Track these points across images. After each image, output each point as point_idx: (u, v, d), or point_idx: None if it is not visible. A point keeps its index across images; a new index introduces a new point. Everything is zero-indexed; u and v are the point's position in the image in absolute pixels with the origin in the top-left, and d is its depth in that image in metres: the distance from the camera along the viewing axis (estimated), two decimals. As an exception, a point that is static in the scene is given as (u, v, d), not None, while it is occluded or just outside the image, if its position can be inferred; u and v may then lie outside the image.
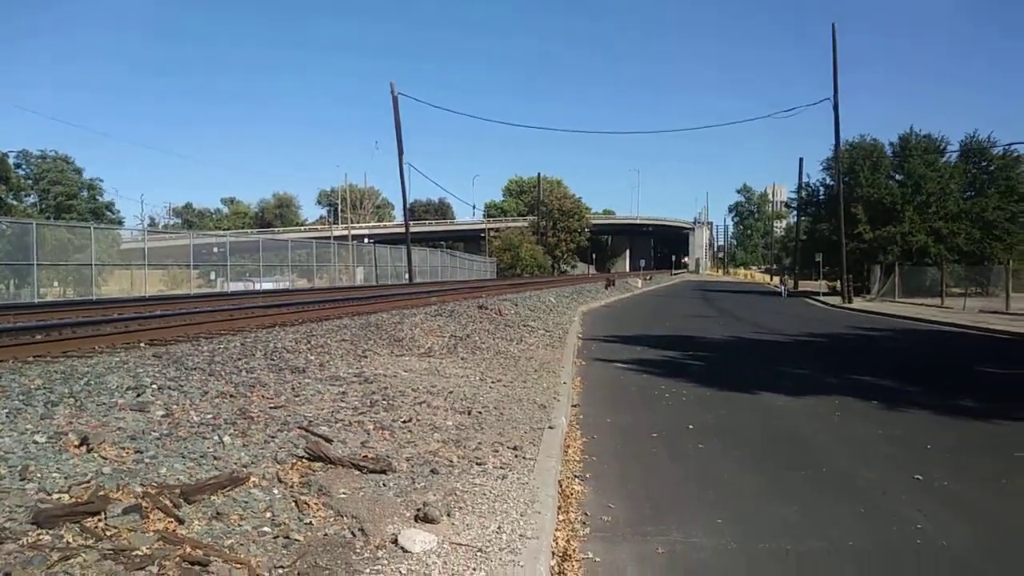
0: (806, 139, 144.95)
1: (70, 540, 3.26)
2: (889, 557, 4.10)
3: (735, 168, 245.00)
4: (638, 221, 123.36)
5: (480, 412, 6.90)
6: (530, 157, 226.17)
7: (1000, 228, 40.14)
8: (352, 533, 3.73)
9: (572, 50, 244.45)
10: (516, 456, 5.47)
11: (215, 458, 4.70)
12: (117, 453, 4.54)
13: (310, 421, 5.83)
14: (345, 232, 73.08)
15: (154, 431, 5.14)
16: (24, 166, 57.60)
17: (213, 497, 4.03)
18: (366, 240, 68.94)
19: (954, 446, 6.75)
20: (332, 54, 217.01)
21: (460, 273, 60.65)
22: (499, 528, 3.93)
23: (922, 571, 3.95)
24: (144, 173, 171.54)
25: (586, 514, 4.73)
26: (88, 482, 4.01)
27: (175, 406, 5.90)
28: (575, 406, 8.39)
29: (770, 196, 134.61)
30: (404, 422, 6.21)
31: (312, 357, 8.96)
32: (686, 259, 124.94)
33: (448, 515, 4.04)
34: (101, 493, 3.82)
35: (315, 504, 4.08)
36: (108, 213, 63.41)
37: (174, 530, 3.54)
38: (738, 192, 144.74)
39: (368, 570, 3.31)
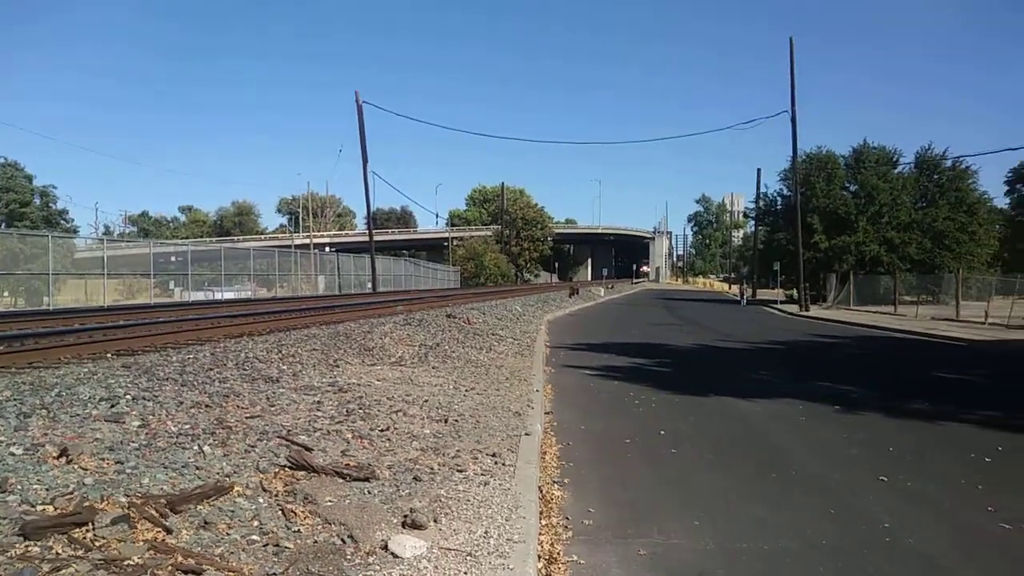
0: (765, 148, 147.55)
1: (59, 551, 3.25)
2: (860, 555, 4.27)
3: (694, 178, 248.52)
4: (600, 230, 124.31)
5: (456, 420, 6.96)
6: (494, 166, 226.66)
7: (950, 238, 41.49)
8: (342, 540, 3.77)
9: (535, 60, 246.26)
10: (496, 463, 5.54)
11: (197, 468, 4.68)
12: (97, 464, 4.49)
13: (288, 430, 5.83)
14: (307, 241, 72.33)
15: (132, 442, 5.09)
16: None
17: (199, 507, 4.03)
18: (328, 249, 68.36)
19: (913, 447, 7.01)
20: (294, 62, 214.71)
21: (424, 282, 60.40)
22: (486, 533, 4.00)
23: (892, 567, 4.12)
24: (99, 181, 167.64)
25: (567, 518, 4.83)
26: (71, 493, 3.97)
27: (151, 416, 5.85)
28: (548, 413, 8.49)
29: (728, 206, 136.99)
30: (382, 431, 6.24)
31: (284, 367, 8.92)
32: (645, 268, 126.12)
33: (435, 521, 4.10)
34: (86, 504, 3.79)
35: (302, 512, 4.10)
36: (62, 221, 61.98)
37: (163, 540, 3.53)
38: (697, 202, 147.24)
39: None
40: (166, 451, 4.96)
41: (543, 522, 4.64)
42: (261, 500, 4.24)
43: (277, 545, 3.63)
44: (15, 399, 6.02)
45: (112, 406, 6.09)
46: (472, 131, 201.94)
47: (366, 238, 48.68)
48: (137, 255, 36.13)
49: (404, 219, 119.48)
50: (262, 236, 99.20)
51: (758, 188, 55.43)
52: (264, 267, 43.01)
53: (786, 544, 4.40)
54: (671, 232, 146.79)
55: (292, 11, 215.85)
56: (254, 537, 3.71)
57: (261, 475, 4.68)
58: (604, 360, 13.88)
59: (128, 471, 4.47)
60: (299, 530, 3.85)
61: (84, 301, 30.07)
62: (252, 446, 5.28)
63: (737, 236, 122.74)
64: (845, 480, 5.85)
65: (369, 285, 45.00)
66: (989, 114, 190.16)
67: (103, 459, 4.61)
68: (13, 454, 4.55)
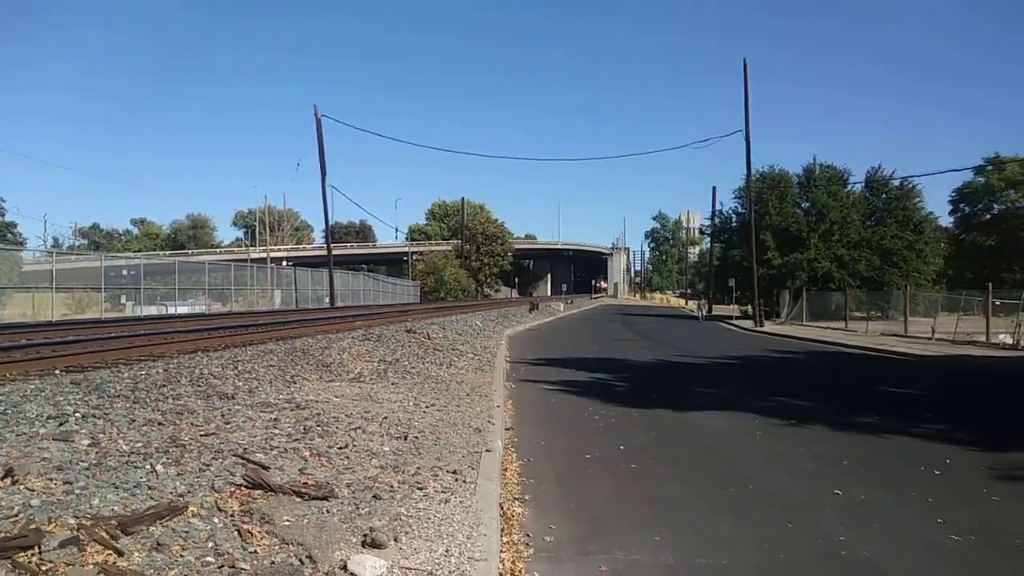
0: (723, 163, 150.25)
1: (3, 576, 3.13)
2: (818, 568, 4.34)
3: (652, 194, 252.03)
4: (559, 246, 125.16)
5: (416, 437, 6.91)
6: (454, 181, 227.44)
7: (898, 255, 42.67)
8: (300, 560, 3.70)
9: (495, 76, 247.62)
10: (456, 480, 5.51)
11: (150, 488, 4.56)
12: (44, 485, 4.35)
13: (244, 448, 5.71)
14: (263, 255, 71.31)
15: (82, 461, 4.94)
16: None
17: (152, 528, 3.92)
18: (284, 263, 67.48)
19: (866, 461, 7.15)
20: (251, 75, 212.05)
21: (383, 297, 59.96)
22: (447, 551, 3.97)
23: (846, 580, 4.20)
24: (48, 193, 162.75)
25: (528, 535, 4.81)
26: (16, 515, 3.83)
27: (102, 435, 5.68)
28: (508, 429, 8.47)
29: (684, 223, 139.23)
30: (340, 448, 6.16)
31: (240, 383, 8.75)
32: (603, 283, 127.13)
33: (395, 540, 4.05)
34: (32, 527, 3.66)
35: (259, 532, 4.02)
36: (9, 234, 60.14)
37: (114, 563, 3.43)
38: (654, 219, 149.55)
39: (320, 597, 3.30)
40: (117, 470, 4.83)
41: (504, 539, 4.62)
42: (216, 520, 4.15)
43: (233, 567, 3.54)
44: (-44, 418, 5.80)
45: (60, 424, 5.91)
46: (432, 146, 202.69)
47: (324, 252, 48.21)
48: (87, 268, 35.16)
49: (363, 233, 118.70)
50: (217, 250, 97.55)
51: (713, 205, 56.55)
52: (219, 281, 42.25)
53: (745, 558, 4.45)
54: (629, 248, 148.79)
55: (250, 25, 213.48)
56: (209, 559, 3.62)
57: (216, 494, 4.57)
58: (564, 375, 13.93)
59: (77, 491, 4.33)
60: (255, 551, 3.77)
61: (32, 316, 29.13)
62: (207, 465, 5.16)
63: (693, 253, 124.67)
64: (801, 494, 5.95)
65: (327, 300, 44.51)
66: (937, 134, 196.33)
67: (51, 479, 4.46)
68: (-46, 475, 4.38)
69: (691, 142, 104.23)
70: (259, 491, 4.70)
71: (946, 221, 66.13)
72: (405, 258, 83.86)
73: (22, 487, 4.26)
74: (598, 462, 7.02)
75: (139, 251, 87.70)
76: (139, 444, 5.49)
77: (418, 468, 5.77)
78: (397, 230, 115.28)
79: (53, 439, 5.39)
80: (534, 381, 12.93)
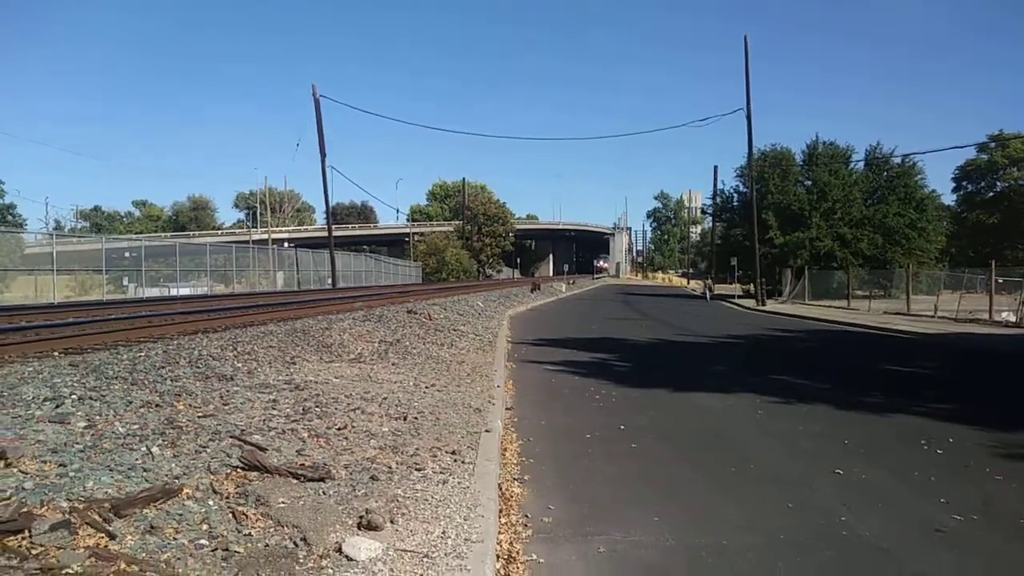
0: (726, 141, 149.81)
1: (-7, 560, 3.09)
2: (818, 548, 4.30)
3: (654, 174, 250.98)
4: (561, 226, 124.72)
5: (416, 417, 6.87)
6: (455, 161, 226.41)
7: (900, 234, 42.50)
8: (294, 543, 3.66)
9: (496, 55, 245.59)
10: (455, 460, 5.47)
11: (144, 470, 4.52)
12: (38, 467, 4.31)
13: (242, 430, 5.67)
14: (264, 236, 71.18)
15: (77, 443, 4.90)
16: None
17: (145, 511, 3.88)
18: (286, 244, 67.26)
19: (867, 440, 7.11)
20: (251, 54, 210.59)
21: (385, 278, 59.91)
22: (444, 533, 3.93)
23: (847, 560, 4.15)
24: (50, 175, 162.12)
25: (527, 516, 4.78)
26: (8, 499, 3.79)
27: (98, 417, 5.64)
28: (509, 409, 8.44)
29: (687, 202, 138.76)
30: (339, 429, 6.12)
31: (239, 364, 8.71)
32: (604, 263, 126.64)
33: (392, 521, 4.02)
34: (24, 510, 3.62)
35: (253, 515, 3.98)
36: (9, 216, 60.04)
37: (106, 546, 3.39)
38: (656, 198, 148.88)
39: (314, 579, 3.26)
40: (112, 453, 4.78)
41: (503, 520, 4.59)
42: (211, 502, 4.11)
43: (226, 549, 3.51)
44: (-49, 400, 5.76)
45: (57, 406, 5.86)
46: (432, 126, 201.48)
47: (326, 233, 48.09)
48: (90, 251, 35.14)
49: (365, 214, 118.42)
50: (219, 231, 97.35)
51: (715, 185, 56.37)
52: (221, 263, 42.26)
53: (746, 539, 4.41)
54: (631, 228, 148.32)
55: (248, 5, 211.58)
56: (203, 541, 3.58)
57: (212, 476, 4.53)
58: (565, 355, 13.88)
59: (71, 474, 4.29)
60: (250, 533, 3.73)
61: (34, 298, 29.17)
62: (203, 446, 5.12)
63: (695, 232, 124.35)
64: (802, 473, 5.91)
65: (329, 281, 44.47)
66: (940, 113, 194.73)
67: (45, 462, 4.42)
68: (-54, 458, 4.34)
69: (692, 120, 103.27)
70: (255, 473, 4.66)
71: (949, 199, 65.88)
72: (407, 239, 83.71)
73: (16, 470, 4.22)
74: (598, 442, 6.98)
75: (141, 233, 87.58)
76: (135, 426, 5.44)
77: (417, 449, 5.73)
78: (398, 211, 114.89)
79: (49, 421, 5.35)
80: (535, 361, 12.90)
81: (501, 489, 5.18)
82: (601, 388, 10.00)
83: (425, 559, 3.58)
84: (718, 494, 5.35)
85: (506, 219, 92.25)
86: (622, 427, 7.58)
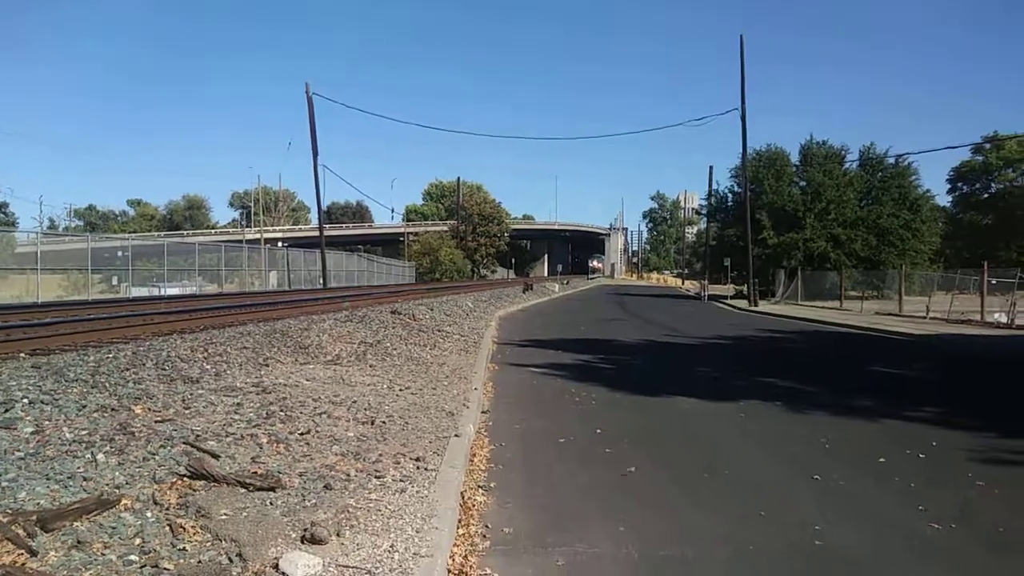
0: (722, 141, 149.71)
1: None
2: (787, 560, 4.11)
3: (651, 175, 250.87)
4: (556, 226, 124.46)
5: (384, 422, 6.66)
6: (450, 161, 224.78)
7: (894, 235, 42.36)
8: (229, 559, 3.46)
9: (492, 54, 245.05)
10: (418, 468, 5.27)
11: (85, 479, 4.32)
12: (-31, 477, 4.10)
13: (198, 435, 5.46)
14: (258, 236, 70.87)
15: (19, 450, 4.70)
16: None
17: (76, 523, 3.67)
18: (280, 244, 66.97)
19: (849, 444, 6.93)
20: (245, 53, 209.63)
21: (378, 278, 59.68)
22: (392, 547, 3.72)
23: (818, 574, 3.96)
24: (44, 174, 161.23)
25: (487, 527, 4.58)
26: (-73, 512, 3.59)
27: (47, 422, 5.43)
28: (485, 412, 8.24)
29: (682, 203, 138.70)
30: (302, 434, 5.91)
31: (208, 366, 8.49)
32: (597, 263, 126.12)
33: (338, 535, 3.81)
34: (-59, 524, 3.42)
35: (191, 527, 3.77)
36: (1, 214, 59.69)
37: (23, 564, 3.19)
38: (652, 199, 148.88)
39: (243, 599, 3.05)
40: (54, 460, 4.58)
41: (460, 532, 4.39)
42: (149, 514, 3.90)
43: (156, 566, 3.30)
44: None
45: (6, 411, 5.66)
46: (427, 125, 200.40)
47: (319, 233, 47.80)
48: (82, 250, 34.88)
49: (359, 214, 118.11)
50: (213, 231, 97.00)
51: (710, 185, 56.07)
52: (212, 262, 42.00)
53: (712, 551, 4.21)
54: (627, 228, 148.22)
55: (243, 6, 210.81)
56: (132, 557, 3.38)
57: (156, 486, 4.33)
58: (551, 357, 13.69)
59: (5, 484, 4.10)
60: (184, 548, 3.52)
61: (25, 297, 28.90)
62: (153, 453, 4.91)
63: (691, 232, 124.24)
64: (779, 479, 5.72)
65: (321, 281, 44.24)
66: (936, 113, 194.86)
67: (-22, 471, 4.21)
68: None
69: (689, 120, 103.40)
70: (202, 482, 4.45)
71: (944, 200, 65.87)
72: (401, 239, 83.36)
73: (-57, 480, 4.01)
74: (573, 447, 6.79)
75: (134, 232, 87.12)
76: (84, 432, 5.23)
77: (380, 455, 5.53)
78: (393, 211, 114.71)
79: (-7, 427, 5.14)
80: (519, 364, 12.70)
81: (463, 498, 4.98)
82: (582, 391, 9.81)
83: (366, 575, 3.37)
84: (690, 502, 5.15)
85: (501, 219, 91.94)
86: (599, 431, 7.38)
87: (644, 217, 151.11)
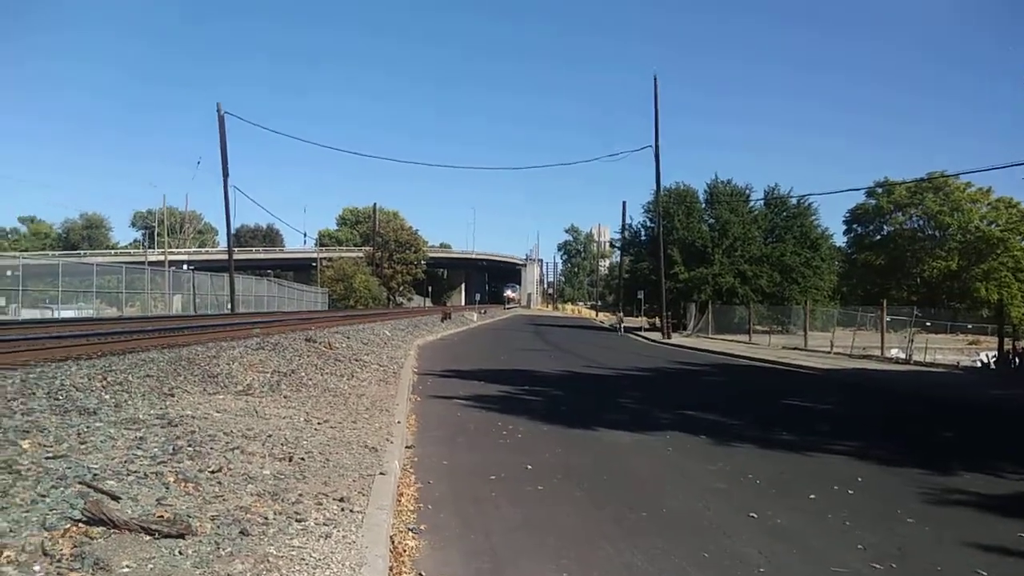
0: (635, 176, 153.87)
1: None
2: (734, 605, 3.98)
3: (566, 207, 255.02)
4: (473, 256, 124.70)
5: (303, 458, 6.24)
6: (366, 188, 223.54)
7: (796, 272, 44.28)
8: (133, 621, 3.04)
9: (409, 80, 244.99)
10: (343, 509, 4.90)
11: (-41, 528, 3.77)
12: None
13: (95, 474, 4.91)
14: (162, 257, 67.81)
15: None
16: None
17: (-54, 582, 3.17)
18: (186, 266, 64.25)
19: (779, 480, 6.95)
20: (154, 69, 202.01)
21: (289, 304, 57.91)
22: (320, 601, 3.38)
23: (766, 618, 3.85)
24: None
25: (421, 574, 4.26)
26: None
27: (-86, 461, 4.78)
28: (409, 447, 7.89)
29: (595, 236, 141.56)
30: (212, 472, 5.43)
31: (107, 396, 7.81)
32: (511, 293, 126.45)
33: (259, 588, 3.43)
34: None
35: (88, 583, 3.32)
36: None
37: None
38: (566, 231, 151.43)
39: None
40: (-78, 506, 4.00)
41: (392, 580, 4.06)
42: (37, 567, 3.41)
43: (43, 633, 2.86)
44: None
45: None
46: (342, 148, 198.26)
47: (228, 256, 46.06)
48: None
49: (271, 237, 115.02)
50: (113, 251, 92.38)
51: (624, 219, 57.40)
52: (112, 284, 39.79)
53: (658, 596, 4.04)
54: (542, 260, 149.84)
55: (153, 24, 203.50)
56: (14, 623, 2.92)
57: (46, 534, 3.82)
58: (475, 388, 13.41)
59: None
60: (79, 609, 3.08)
61: None
62: (43, 495, 4.36)
63: (604, 265, 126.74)
64: (716, 518, 5.62)
65: (229, 306, 42.53)
66: (831, 158, 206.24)
67: None
68: None
69: (604, 155, 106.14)
70: (101, 528, 3.96)
71: (840, 240, 69.61)
72: (314, 264, 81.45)
73: None
74: (503, 484, 6.53)
75: (27, 250, 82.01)
76: (-39, 471, 4.62)
77: (300, 495, 5.12)
78: (306, 235, 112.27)
79: None
80: (442, 395, 12.36)
81: (393, 542, 4.65)
82: (509, 423, 9.58)
83: (293, 637, 3.02)
84: (628, 542, 4.97)
85: (418, 247, 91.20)
86: (529, 467, 7.16)
87: (559, 249, 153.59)
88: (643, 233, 52.20)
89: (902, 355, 23.46)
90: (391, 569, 4.17)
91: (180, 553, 3.76)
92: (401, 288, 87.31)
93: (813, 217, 47.43)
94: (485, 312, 68.26)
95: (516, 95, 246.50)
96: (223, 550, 3.85)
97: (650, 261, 46.17)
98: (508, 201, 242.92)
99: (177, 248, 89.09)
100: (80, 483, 4.65)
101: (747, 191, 48.45)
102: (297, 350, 14.60)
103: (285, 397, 9.55)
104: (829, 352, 25.85)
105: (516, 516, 5.57)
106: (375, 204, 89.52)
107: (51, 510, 4.16)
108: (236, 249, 58.01)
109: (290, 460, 6.10)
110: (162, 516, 4.28)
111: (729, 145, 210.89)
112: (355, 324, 26.94)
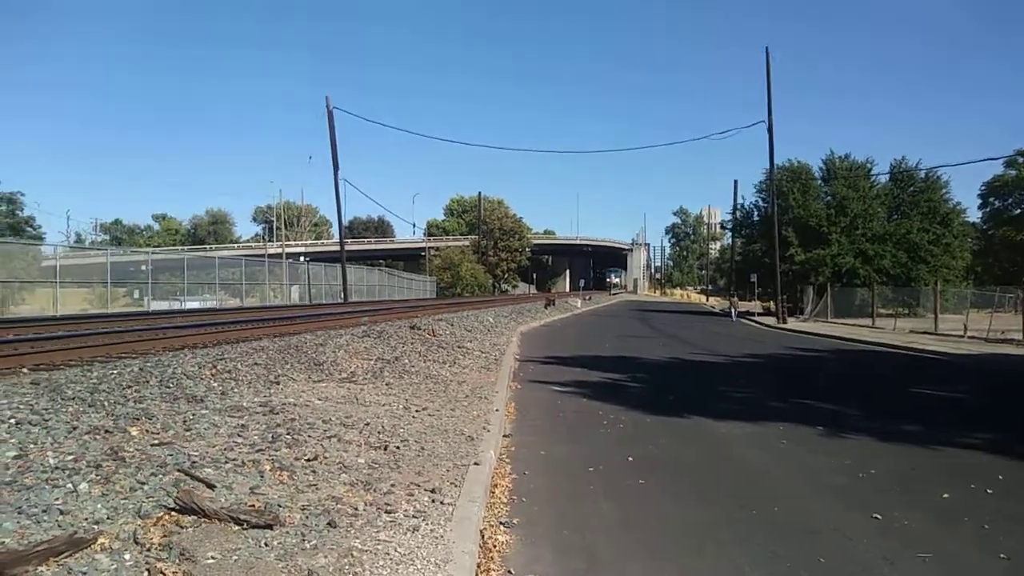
0: (745, 156, 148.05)
1: None
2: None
3: (673, 189, 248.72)
4: (578, 241, 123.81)
5: (398, 447, 6.17)
6: (472, 177, 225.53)
7: (924, 250, 41.20)
8: (211, 616, 2.97)
9: (516, 66, 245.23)
10: (433, 501, 4.76)
11: (61, 513, 3.86)
12: (-70, 511, 3.66)
13: (194, 461, 4.99)
14: (280, 250, 71.06)
15: (-6, 478, 4.26)
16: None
17: (41, 568, 3.21)
18: (302, 258, 67.12)
19: (905, 476, 6.32)
20: (268, 66, 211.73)
21: (399, 292, 59.44)
22: (400, 601, 3.22)
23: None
24: (71, 190, 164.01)
25: (511, 572, 4.05)
26: None
27: (32, 445, 4.99)
28: (507, 436, 7.71)
29: (705, 218, 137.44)
30: (308, 460, 5.43)
31: (215, 384, 8.05)
32: (618, 279, 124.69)
33: (338, 585, 3.31)
34: None
35: (172, 572, 3.30)
36: (28, 228, 60.36)
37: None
38: (675, 214, 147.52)
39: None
40: (32, 490, 4.13)
41: (480, 578, 3.87)
42: (128, 556, 3.43)
43: (123, 625, 2.82)
44: None
45: (-10, 432, 5.23)
46: (448, 139, 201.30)
47: (340, 247, 47.66)
48: (101, 264, 35.01)
49: (381, 228, 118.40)
50: (236, 245, 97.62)
51: (735, 199, 55.30)
52: (233, 276, 41.98)
53: (770, 606, 3.66)
54: (649, 244, 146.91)
55: (259, 15, 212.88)
56: (97, 613, 2.90)
57: (140, 521, 3.86)
58: (575, 375, 13.13)
59: (-30, 519, 3.64)
60: (160, 601, 3.04)
61: (48, 310, 28.94)
62: (142, 483, 4.44)
63: (714, 248, 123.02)
64: (834, 518, 5.12)
65: (342, 295, 44.01)
66: (967, 125, 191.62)
67: (-57, 503, 3.77)
68: None
69: (713, 133, 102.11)
70: (191, 517, 3.97)
71: (974, 216, 64.38)
72: (423, 254, 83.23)
73: (-101, 514, 3.57)
74: (603, 477, 6.23)
75: (159, 246, 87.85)
76: (70, 457, 4.78)
77: (392, 485, 5.02)
78: (415, 225, 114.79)
79: (-29, 451, 4.71)
80: (542, 381, 12.15)
81: (483, 536, 4.45)
82: (610, 412, 9.25)
83: (370, 640, 2.87)
84: (736, 543, 4.58)
85: (522, 234, 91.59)
86: (631, 459, 6.82)
87: (667, 232, 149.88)
88: (756, 213, 50.13)
89: (1048, 339, 21.35)
90: (479, 566, 3.98)
91: (265, 544, 3.70)
92: (506, 275, 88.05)
93: (944, 191, 44.02)
94: (590, 298, 67.66)
95: (626, 75, 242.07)
96: (308, 542, 3.77)
97: (763, 242, 44.24)
98: (614, 185, 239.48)
99: (295, 241, 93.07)
100: (179, 471, 4.72)
101: (868, 164, 45.51)
102: (402, 337, 14.77)
103: (387, 384, 9.59)
104: (962, 336, 23.87)
105: (615, 512, 5.26)
106: (480, 193, 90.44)
107: (148, 497, 4.22)
108: (348, 240, 60.01)
109: (385, 449, 6.04)
110: (253, 506, 4.27)
111: (849, 118, 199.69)
112: (460, 311, 27.20)
